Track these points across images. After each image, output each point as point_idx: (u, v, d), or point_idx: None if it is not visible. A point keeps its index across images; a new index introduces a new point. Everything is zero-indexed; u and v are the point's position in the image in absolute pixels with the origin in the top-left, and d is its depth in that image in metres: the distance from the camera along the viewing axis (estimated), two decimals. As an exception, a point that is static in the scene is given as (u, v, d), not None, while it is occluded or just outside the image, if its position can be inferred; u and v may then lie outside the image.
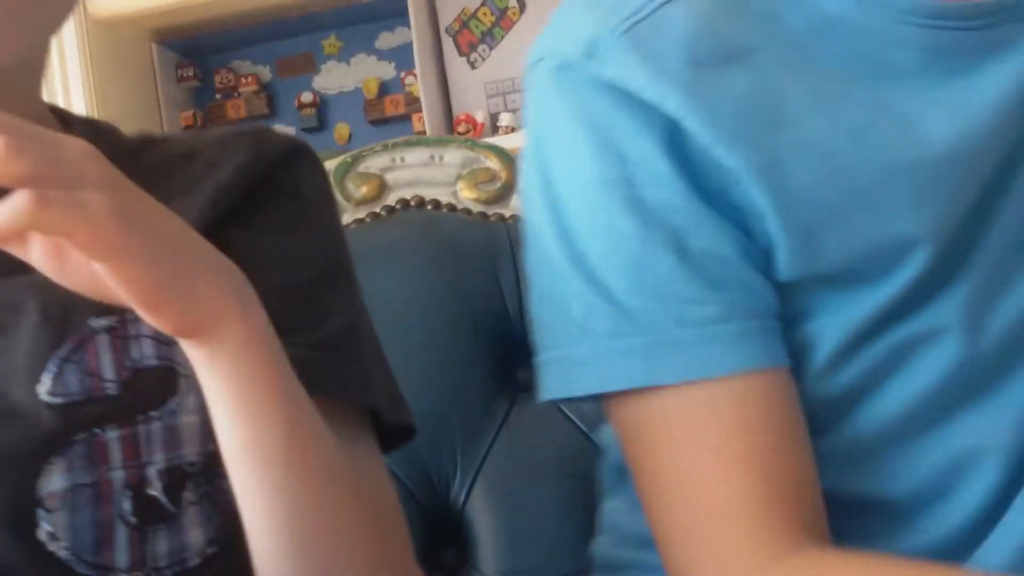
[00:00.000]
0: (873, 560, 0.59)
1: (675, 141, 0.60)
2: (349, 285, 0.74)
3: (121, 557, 0.61)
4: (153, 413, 0.63)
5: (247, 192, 0.70)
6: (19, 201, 0.46)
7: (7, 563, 0.59)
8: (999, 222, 0.63)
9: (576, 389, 0.64)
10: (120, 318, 0.62)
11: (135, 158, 0.70)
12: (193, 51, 2.59)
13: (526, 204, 0.67)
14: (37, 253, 0.52)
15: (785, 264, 0.61)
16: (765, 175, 0.60)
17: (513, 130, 2.20)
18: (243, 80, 2.59)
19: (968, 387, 0.64)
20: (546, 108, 0.64)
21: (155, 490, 0.62)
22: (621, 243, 0.61)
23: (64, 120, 0.73)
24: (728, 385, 0.60)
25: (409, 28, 2.22)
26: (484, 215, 1.07)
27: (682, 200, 0.60)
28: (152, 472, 0.62)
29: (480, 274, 1.03)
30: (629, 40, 0.60)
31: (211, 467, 0.64)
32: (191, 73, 2.59)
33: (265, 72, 2.61)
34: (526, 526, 0.97)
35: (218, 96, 2.61)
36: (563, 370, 0.64)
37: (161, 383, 0.62)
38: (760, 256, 0.61)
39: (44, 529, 0.60)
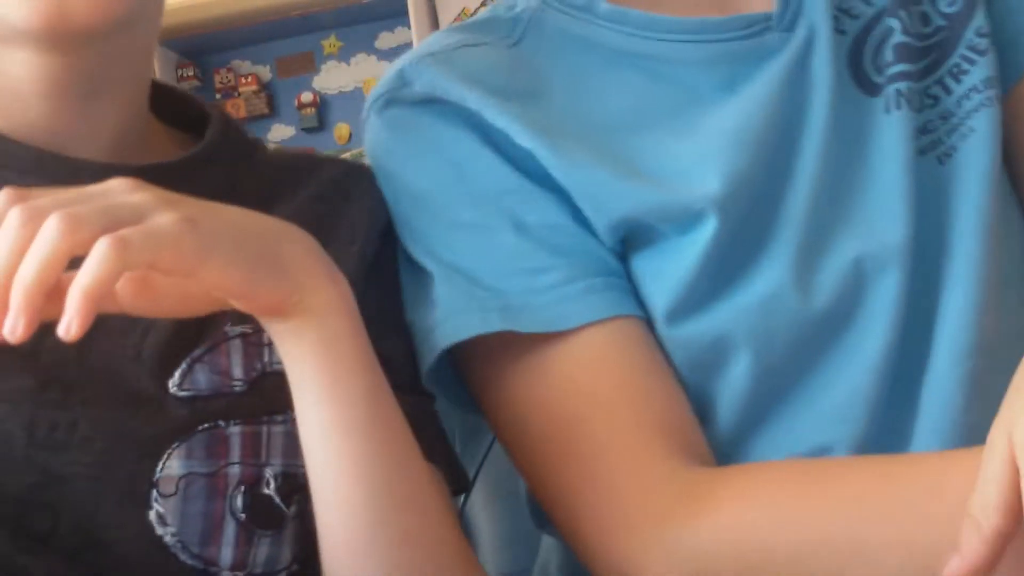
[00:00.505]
0: (761, 466, 0.62)
1: (487, 133, 0.67)
2: None
3: (226, 554, 0.61)
4: (277, 417, 0.63)
5: (379, 238, 0.71)
6: (100, 252, 0.46)
7: (115, 540, 0.59)
8: (794, 192, 0.67)
9: (440, 344, 0.66)
10: (254, 325, 0.62)
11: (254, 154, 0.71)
12: (193, 51, 2.59)
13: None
14: (126, 298, 0.52)
15: (599, 230, 0.66)
16: (552, 153, 0.65)
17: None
18: (243, 80, 2.60)
19: (811, 349, 0.66)
20: (382, 146, 0.71)
21: (270, 490, 0.62)
22: (467, 235, 0.67)
23: (175, 100, 0.72)
24: (586, 334, 0.64)
25: (409, 28, 2.23)
26: (484, 215, 1.07)
27: (510, 182, 0.66)
28: (268, 473, 0.62)
29: (480, 274, 1.04)
30: (430, 61, 0.69)
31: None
32: (191, 73, 2.59)
33: (265, 72, 2.61)
34: (526, 526, 0.97)
35: (218, 96, 2.61)
36: (427, 341, 0.67)
37: (288, 389, 0.61)
38: (587, 224, 0.67)
39: (155, 511, 0.60)
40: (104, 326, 0.57)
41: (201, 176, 0.66)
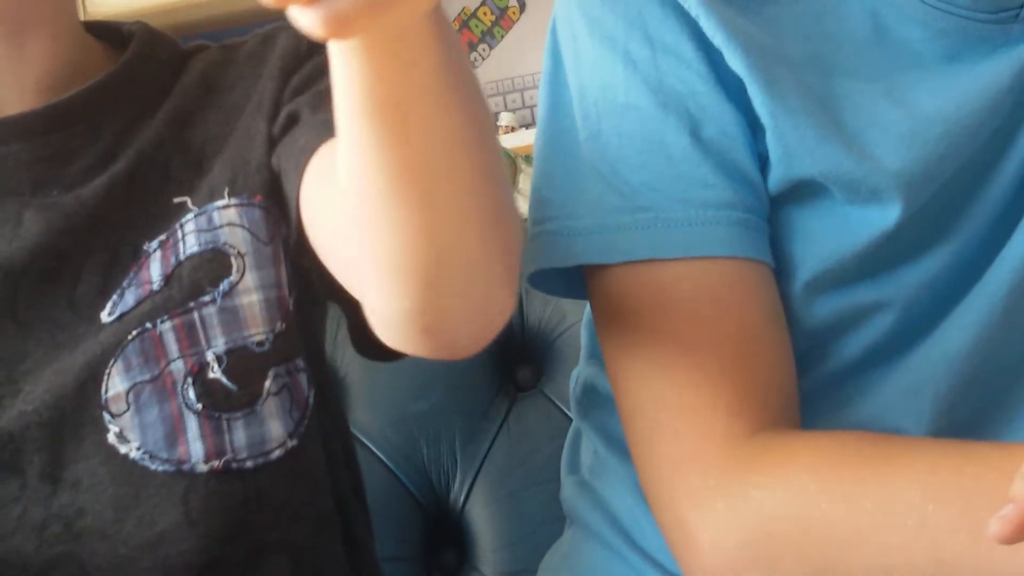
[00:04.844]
0: (840, 435, 0.60)
1: (698, 34, 0.62)
2: None
3: (196, 449, 0.61)
4: (205, 298, 0.62)
5: (302, 70, 0.70)
6: None
7: (83, 473, 0.60)
8: (992, 189, 0.65)
9: (572, 259, 0.64)
10: (171, 231, 0.63)
11: (186, 61, 0.71)
12: (193, 50, 2.59)
13: (545, 87, 0.68)
14: None
15: (772, 177, 0.63)
16: (764, 90, 0.62)
17: (513, 130, 2.20)
18: (243, 80, 2.60)
19: (896, 351, 0.66)
20: (580, 7, 0.65)
21: (215, 372, 0.62)
22: (637, 121, 0.63)
23: (108, 33, 0.72)
24: (723, 266, 0.62)
25: (409, 28, 2.23)
26: (484, 215, 1.07)
27: (702, 85, 0.62)
28: (211, 356, 0.62)
29: (480, 274, 1.04)
30: None
31: (286, 354, 0.63)
32: (191, 72, 2.60)
33: (265, 72, 2.62)
34: (526, 526, 0.97)
35: (218, 95, 2.61)
36: (561, 241, 0.65)
37: (210, 266, 0.62)
38: (759, 160, 0.64)
39: (112, 432, 0.60)
40: (29, 271, 0.60)
41: (115, 99, 0.66)
